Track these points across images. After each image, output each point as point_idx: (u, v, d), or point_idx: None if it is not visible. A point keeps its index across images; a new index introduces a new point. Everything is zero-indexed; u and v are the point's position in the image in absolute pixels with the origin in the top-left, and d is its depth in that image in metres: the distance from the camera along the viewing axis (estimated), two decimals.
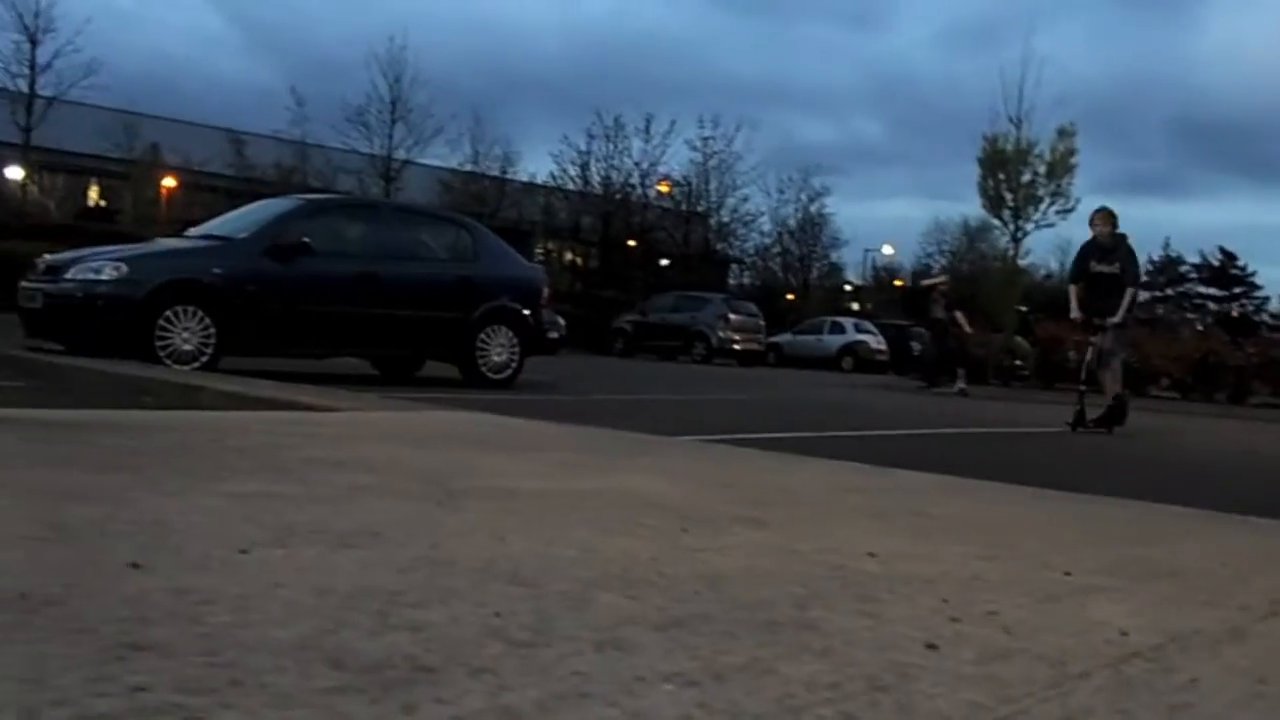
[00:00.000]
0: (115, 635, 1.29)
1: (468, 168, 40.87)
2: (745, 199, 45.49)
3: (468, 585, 1.72)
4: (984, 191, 24.04)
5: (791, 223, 49.87)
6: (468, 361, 12.40)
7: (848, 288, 57.87)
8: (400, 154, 38.46)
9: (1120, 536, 3.37)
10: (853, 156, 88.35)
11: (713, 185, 43.97)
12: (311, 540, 1.97)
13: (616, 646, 1.45)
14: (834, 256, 54.37)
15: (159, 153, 38.09)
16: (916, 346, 31.55)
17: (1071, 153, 23.45)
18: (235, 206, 31.01)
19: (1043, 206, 23.67)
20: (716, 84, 75.06)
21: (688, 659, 1.41)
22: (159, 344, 10.35)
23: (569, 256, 44.64)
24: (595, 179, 41.91)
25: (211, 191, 39.65)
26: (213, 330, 10.64)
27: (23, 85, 31.91)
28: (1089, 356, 11.05)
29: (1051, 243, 66.00)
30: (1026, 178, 23.51)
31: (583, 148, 41.62)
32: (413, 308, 12.04)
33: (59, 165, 35.87)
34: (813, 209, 50.07)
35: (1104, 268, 10.86)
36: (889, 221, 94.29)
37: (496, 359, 12.55)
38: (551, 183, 42.36)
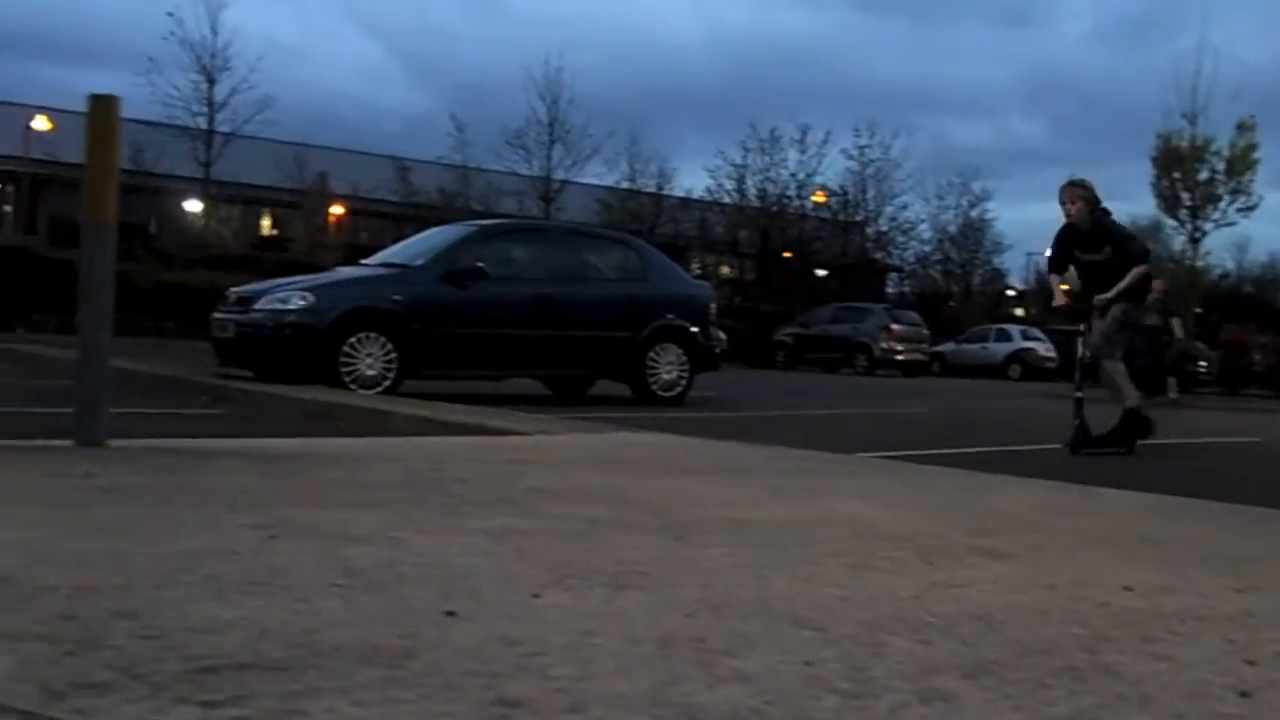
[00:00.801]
0: (480, 691, 1.34)
1: (625, 186, 41.32)
2: (904, 207, 44.93)
3: (759, 630, 1.74)
4: (1158, 191, 23.19)
5: (952, 229, 48.98)
6: (638, 380, 12.47)
7: (1010, 293, 56.52)
8: (559, 174, 39.13)
9: None
10: (1011, 158, 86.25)
11: (870, 194, 43.59)
12: (587, 582, 2.01)
13: (941, 697, 1.45)
14: (995, 262, 53.16)
15: (327, 181, 39.46)
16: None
17: (1253, 148, 22.43)
18: (400, 231, 31.89)
19: (1222, 205, 22.69)
20: (867, 90, 74.27)
21: (1013, 710, 1.40)
22: (344, 370, 10.68)
23: (725, 270, 44.65)
24: (751, 192, 41.98)
25: (378, 217, 40.98)
26: (394, 355, 10.94)
27: (202, 123, 33.53)
28: (1080, 351, 9.01)
29: (1229, 240, 63.07)
30: (1204, 175, 22.56)
31: (738, 161, 41.76)
32: (584, 328, 12.17)
33: (235, 197, 37.45)
34: (974, 214, 49.09)
35: (1092, 255, 8.77)
36: (1051, 224, 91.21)
37: (666, 377, 12.59)
38: (707, 197, 42.56)
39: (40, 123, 36.63)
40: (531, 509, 3.09)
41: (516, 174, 38.79)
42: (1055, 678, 1.61)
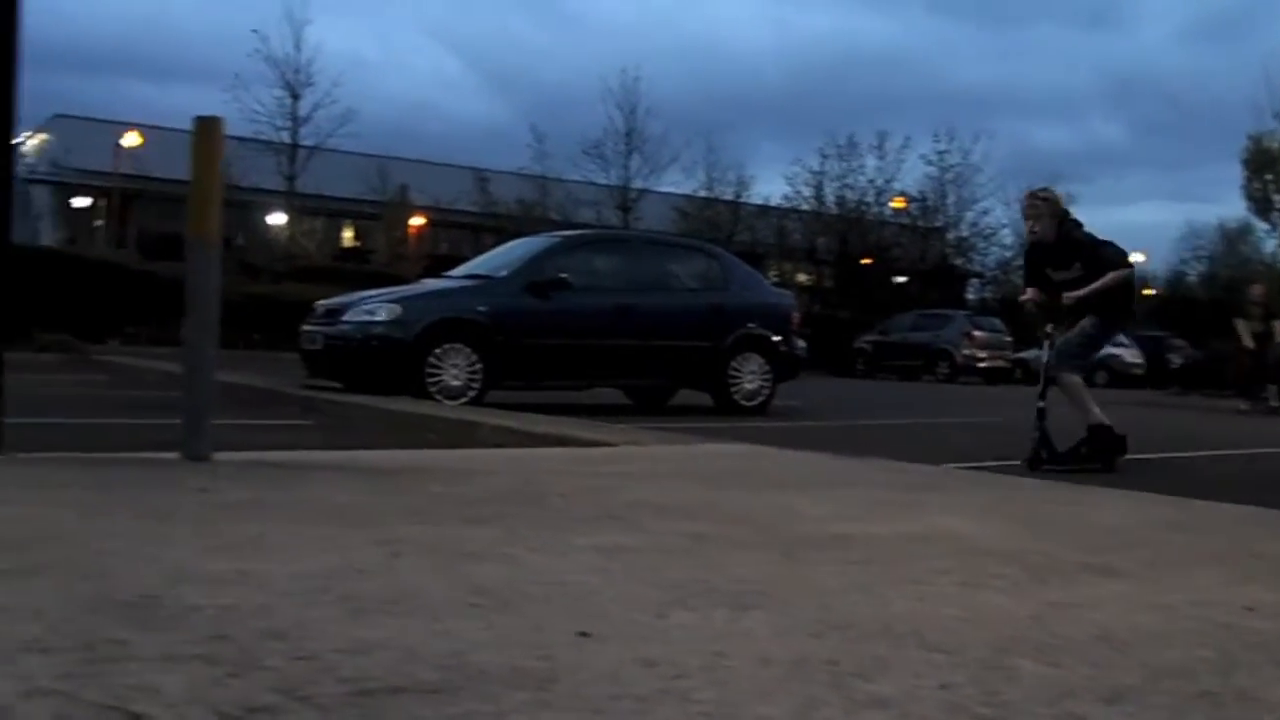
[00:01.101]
0: (627, 716, 1.36)
1: (702, 194, 41.37)
2: (985, 212, 44.38)
3: (888, 652, 1.75)
4: (1249, 193, 22.68)
5: None
6: (720, 389, 12.47)
7: None
8: (636, 184, 39.31)
9: None
10: (1094, 161, 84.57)
11: (950, 199, 43.16)
12: (708, 600, 2.03)
13: None
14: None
15: (407, 193, 39.99)
16: (1175, 360, 29.94)
17: None
18: (479, 242, 32.03)
19: None
20: (945, 94, 73.20)
21: None
22: (429, 380, 10.81)
23: (802, 278, 44.46)
24: (829, 199, 41.80)
25: (458, 228, 41.45)
26: (479, 366, 11.05)
27: (286, 137, 34.19)
28: (1044, 357, 7.98)
29: None
30: None
31: (816, 168, 41.63)
32: (666, 338, 12.19)
33: (318, 209, 38.12)
34: None
35: (1063, 274, 7.79)
36: (1135, 228, 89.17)
37: (748, 386, 12.57)
38: (785, 204, 42.46)
39: (130, 139, 37.55)
40: (635, 524, 3.11)
41: (594, 184, 39.02)
42: (1192, 703, 1.59)
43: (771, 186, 67.66)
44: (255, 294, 25.52)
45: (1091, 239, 7.85)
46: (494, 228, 34.87)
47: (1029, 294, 8.14)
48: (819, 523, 3.41)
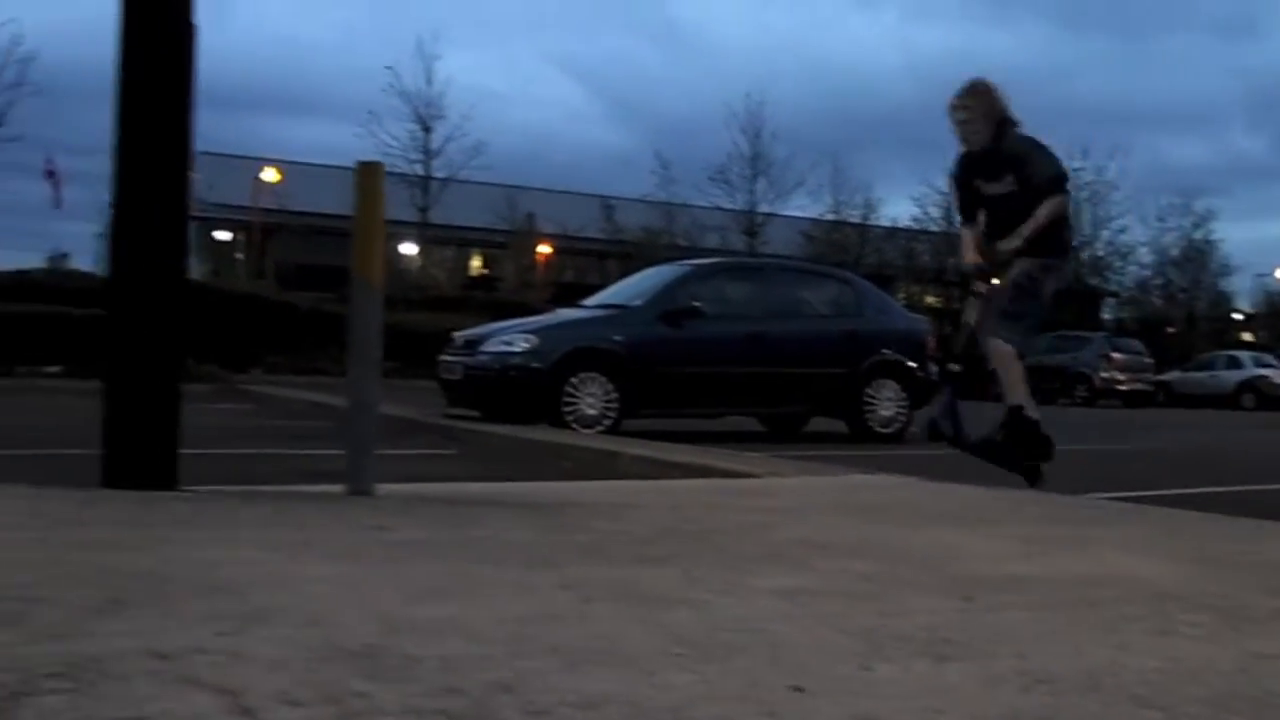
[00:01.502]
0: None
1: (829, 217, 41.19)
2: (1122, 230, 43.39)
3: (1101, 709, 1.73)
4: None
5: (1174, 252, 46.87)
6: (855, 416, 12.41)
7: (1237, 316, 53.70)
8: (762, 208, 39.33)
9: None
10: (1234, 175, 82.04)
11: (1085, 218, 42.20)
12: (904, 650, 2.03)
13: None
14: (1221, 284, 50.62)
15: (534, 222, 40.62)
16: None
17: None
18: (605, 269, 32.34)
19: None
20: (1078, 109, 71.47)
21: None
22: (566, 410, 10.96)
23: (930, 299, 43.89)
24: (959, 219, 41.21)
25: (583, 255, 41.95)
26: (615, 395, 11.15)
27: (419, 170, 35.02)
28: (968, 317, 6.54)
29: None
30: None
31: (944, 188, 41.14)
32: (800, 365, 12.18)
33: (447, 239, 38.93)
34: (1197, 235, 46.88)
35: (996, 187, 6.28)
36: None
37: (884, 413, 12.48)
38: (914, 226, 42.03)
39: (269, 174, 38.85)
40: (804, 564, 3.11)
41: (720, 209, 39.16)
42: None
43: (899, 208, 67.24)
44: (391, 323, 26.04)
45: (1030, 145, 6.29)
46: (620, 254, 35.19)
47: (970, 254, 6.53)
48: (987, 561, 3.37)
